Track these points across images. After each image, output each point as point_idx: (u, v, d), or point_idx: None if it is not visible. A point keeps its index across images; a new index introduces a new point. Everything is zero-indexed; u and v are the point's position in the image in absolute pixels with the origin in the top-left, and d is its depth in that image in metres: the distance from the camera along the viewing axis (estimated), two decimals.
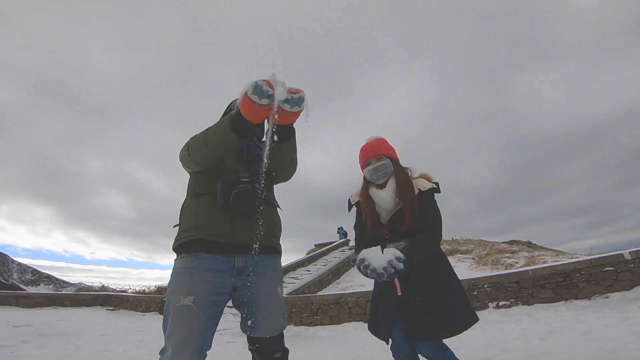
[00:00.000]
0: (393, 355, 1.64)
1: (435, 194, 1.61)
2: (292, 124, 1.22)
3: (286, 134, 1.25)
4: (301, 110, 1.13)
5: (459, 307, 1.53)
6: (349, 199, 1.76)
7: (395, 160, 1.65)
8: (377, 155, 1.63)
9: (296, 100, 1.09)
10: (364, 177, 1.68)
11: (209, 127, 1.25)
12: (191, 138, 1.30)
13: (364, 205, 1.65)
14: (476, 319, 1.54)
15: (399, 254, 1.37)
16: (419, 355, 1.58)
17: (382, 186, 1.63)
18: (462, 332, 1.50)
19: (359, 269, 1.41)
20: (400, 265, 1.34)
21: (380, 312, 1.65)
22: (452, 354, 1.54)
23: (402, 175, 1.61)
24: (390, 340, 1.59)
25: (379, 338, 1.65)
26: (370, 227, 1.61)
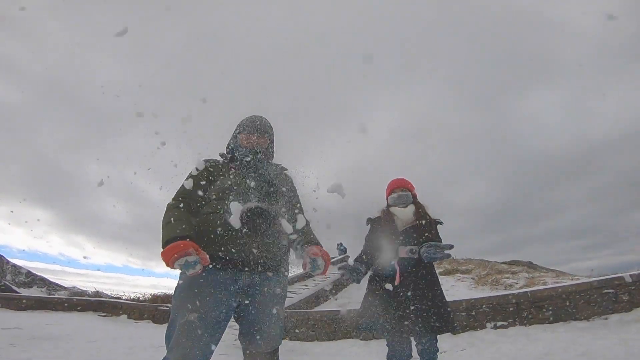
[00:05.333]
0: (392, 356, 1.91)
1: (438, 225, 2.12)
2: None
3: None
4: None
5: (450, 311, 1.93)
6: (368, 218, 2.23)
7: (413, 194, 2.20)
8: (401, 188, 2.18)
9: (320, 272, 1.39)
10: (387, 202, 2.22)
11: (165, 223, 1.30)
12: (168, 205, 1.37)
13: (386, 218, 2.12)
14: (456, 328, 1.96)
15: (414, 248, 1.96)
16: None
17: (404, 208, 2.14)
18: (452, 330, 1.92)
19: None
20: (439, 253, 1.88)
21: (378, 309, 1.92)
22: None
23: (420, 203, 2.18)
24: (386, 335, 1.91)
25: (372, 331, 1.95)
26: (388, 233, 2.04)
